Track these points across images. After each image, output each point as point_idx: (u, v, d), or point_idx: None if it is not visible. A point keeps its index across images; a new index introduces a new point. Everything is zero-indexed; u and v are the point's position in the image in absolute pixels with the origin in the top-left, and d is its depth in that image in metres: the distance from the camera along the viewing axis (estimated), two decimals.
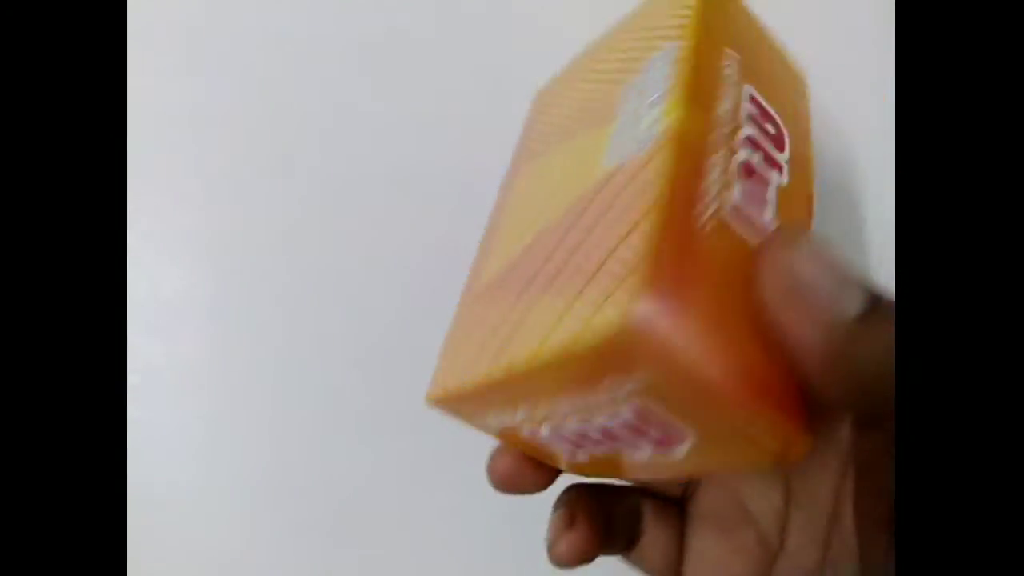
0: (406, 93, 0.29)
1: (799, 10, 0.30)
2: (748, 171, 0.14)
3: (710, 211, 0.13)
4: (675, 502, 0.21)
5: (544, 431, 0.16)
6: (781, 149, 0.16)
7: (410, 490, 0.26)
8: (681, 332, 0.12)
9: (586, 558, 0.19)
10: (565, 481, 0.20)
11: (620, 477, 0.20)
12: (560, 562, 0.19)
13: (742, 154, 0.14)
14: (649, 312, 0.11)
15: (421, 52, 0.29)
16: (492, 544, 0.26)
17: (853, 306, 0.13)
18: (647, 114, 0.14)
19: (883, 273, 0.25)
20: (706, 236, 0.13)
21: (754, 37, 0.17)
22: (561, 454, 0.17)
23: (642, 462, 0.16)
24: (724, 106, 0.15)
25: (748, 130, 0.15)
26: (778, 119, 0.16)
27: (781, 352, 0.13)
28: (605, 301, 0.12)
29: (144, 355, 0.26)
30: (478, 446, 0.26)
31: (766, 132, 0.15)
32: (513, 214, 0.19)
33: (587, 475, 0.19)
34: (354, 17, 0.29)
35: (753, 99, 0.15)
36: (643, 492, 0.21)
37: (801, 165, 0.16)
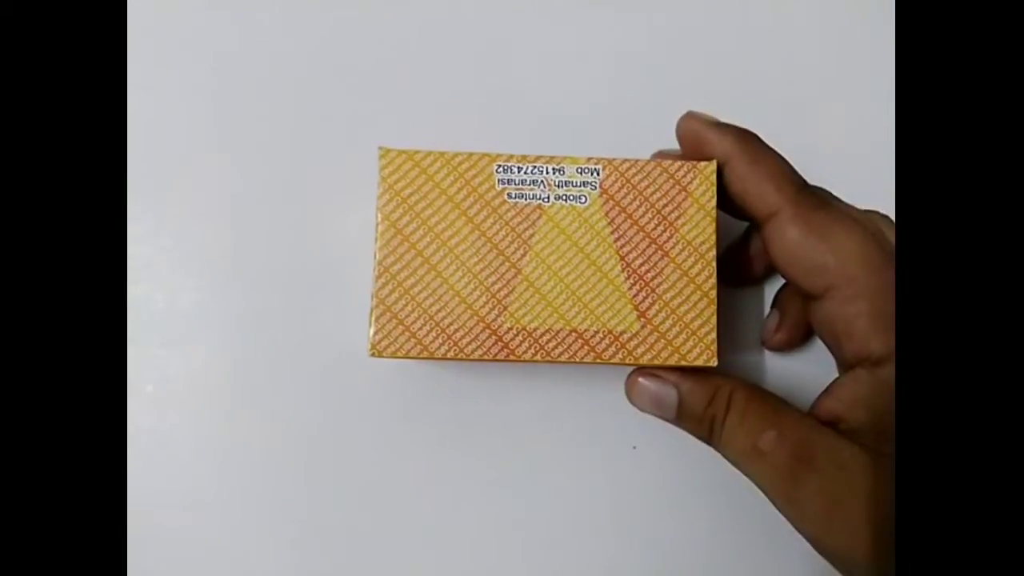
0: (424, 97, 0.29)
1: (799, 10, 0.30)
2: None
3: None
4: None
5: None
6: None
7: (426, 500, 0.26)
8: None
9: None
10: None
11: None
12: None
13: None
14: None
15: (436, 60, 0.29)
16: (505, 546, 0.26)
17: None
18: None
19: None
20: None
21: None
22: None
23: None
24: None
25: None
26: None
27: None
28: None
29: (160, 365, 0.26)
30: (494, 451, 0.26)
31: None
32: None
33: None
34: (368, 22, 0.29)
35: None
36: None
37: None
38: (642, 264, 0.21)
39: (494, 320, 0.21)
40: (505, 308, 0.21)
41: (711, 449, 0.22)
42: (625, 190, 0.21)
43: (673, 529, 0.26)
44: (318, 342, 0.26)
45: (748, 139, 0.22)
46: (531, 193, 0.21)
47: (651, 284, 0.21)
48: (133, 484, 0.25)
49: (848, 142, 0.28)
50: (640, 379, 0.22)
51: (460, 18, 0.29)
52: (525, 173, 0.21)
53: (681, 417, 0.22)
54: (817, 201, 0.21)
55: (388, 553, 0.25)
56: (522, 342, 0.21)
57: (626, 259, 0.21)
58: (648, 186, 0.21)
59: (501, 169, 0.21)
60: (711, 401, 0.21)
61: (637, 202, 0.21)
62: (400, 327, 0.21)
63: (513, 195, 0.21)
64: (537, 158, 0.21)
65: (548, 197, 0.21)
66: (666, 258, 0.21)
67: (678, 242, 0.21)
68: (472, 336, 0.21)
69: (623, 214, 0.21)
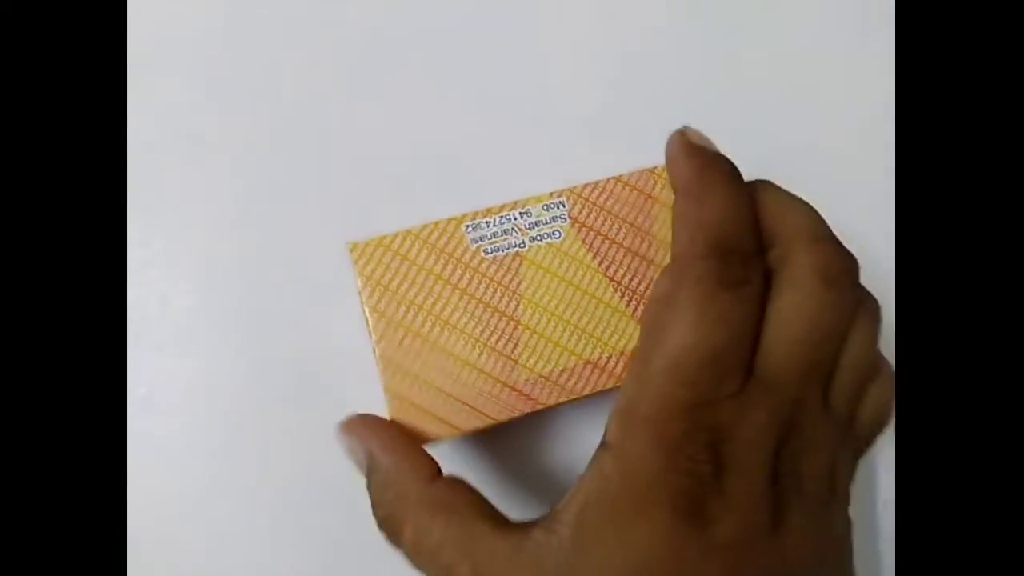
0: (421, 97, 0.29)
1: (800, 10, 0.30)
2: None
3: None
4: None
5: None
6: None
7: None
8: None
9: None
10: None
11: None
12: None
13: None
14: None
15: (440, 58, 0.29)
16: None
17: None
18: None
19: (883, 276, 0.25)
20: None
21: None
22: None
23: None
24: None
25: None
26: None
27: None
28: None
29: (153, 369, 0.26)
30: (490, 451, 0.26)
31: None
32: None
33: None
34: (366, 21, 0.29)
35: None
36: None
37: None
38: (631, 278, 0.21)
39: (508, 376, 0.21)
40: (516, 362, 0.21)
41: None
42: (594, 214, 0.22)
43: None
44: (316, 345, 0.27)
45: (706, 176, 0.19)
46: (506, 243, 0.21)
47: (646, 295, 0.21)
48: (129, 487, 0.25)
49: (847, 142, 0.28)
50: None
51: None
52: (494, 225, 0.21)
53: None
54: (715, 276, 0.18)
55: (388, 554, 0.26)
56: (543, 389, 0.21)
57: (615, 279, 0.21)
58: (614, 203, 0.22)
59: (470, 228, 0.21)
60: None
61: (609, 222, 0.22)
62: (420, 412, 0.21)
63: (489, 250, 0.21)
64: (502, 208, 0.21)
65: (523, 242, 0.21)
66: (652, 266, 0.21)
67: (658, 247, 0.21)
68: (493, 399, 0.21)
69: (599, 237, 0.21)
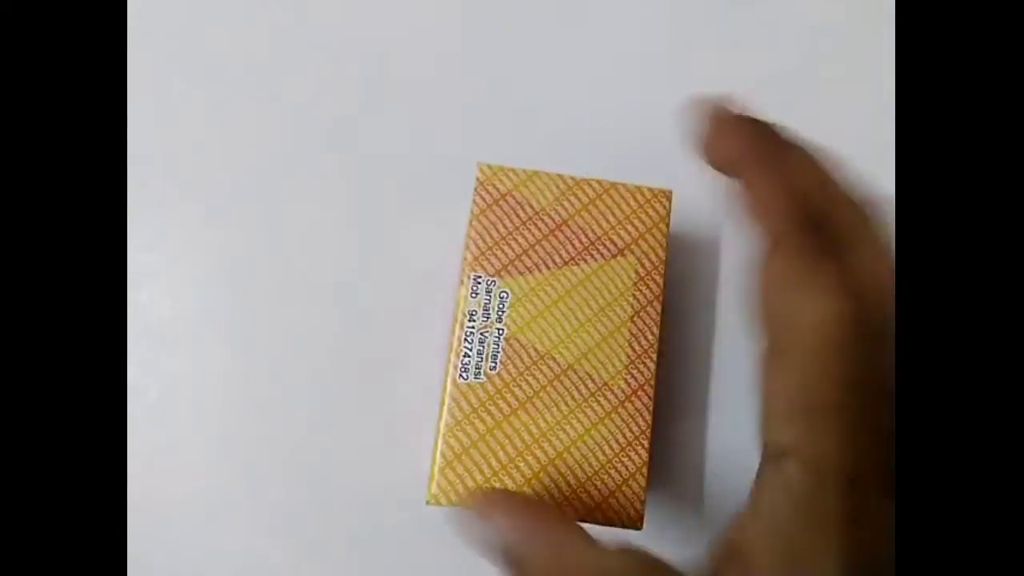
0: (423, 98, 0.29)
1: (800, 10, 0.30)
2: None
3: None
4: None
5: None
6: None
7: (429, 509, 0.26)
8: None
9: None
10: None
11: None
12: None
13: None
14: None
15: (440, 60, 0.29)
16: None
17: None
18: None
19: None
20: None
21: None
22: None
23: None
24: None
25: None
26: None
27: None
28: None
29: (164, 371, 0.26)
30: None
31: None
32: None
33: None
34: (367, 23, 0.30)
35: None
36: None
37: None
38: (570, 244, 0.22)
39: (615, 397, 0.21)
40: (604, 384, 0.21)
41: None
42: (503, 250, 0.22)
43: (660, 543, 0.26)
44: (323, 348, 0.27)
45: (767, 146, 0.19)
46: (490, 346, 0.21)
47: (596, 239, 0.22)
48: (136, 490, 0.25)
49: (847, 142, 0.28)
50: None
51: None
52: (467, 349, 0.21)
53: None
54: (818, 247, 0.18)
55: (389, 558, 0.26)
56: (637, 370, 0.21)
57: (568, 259, 0.22)
58: (500, 227, 0.22)
59: (462, 372, 0.21)
60: None
61: (514, 242, 0.22)
62: (606, 500, 0.20)
63: (494, 365, 0.21)
64: (456, 333, 0.21)
65: (497, 330, 0.21)
66: (563, 228, 0.22)
67: (548, 217, 0.22)
68: (626, 422, 0.21)
69: (524, 256, 0.22)
